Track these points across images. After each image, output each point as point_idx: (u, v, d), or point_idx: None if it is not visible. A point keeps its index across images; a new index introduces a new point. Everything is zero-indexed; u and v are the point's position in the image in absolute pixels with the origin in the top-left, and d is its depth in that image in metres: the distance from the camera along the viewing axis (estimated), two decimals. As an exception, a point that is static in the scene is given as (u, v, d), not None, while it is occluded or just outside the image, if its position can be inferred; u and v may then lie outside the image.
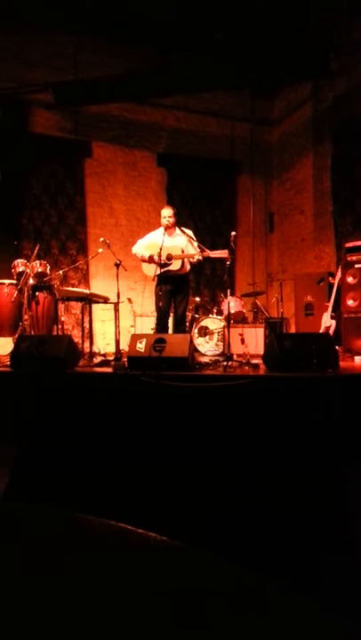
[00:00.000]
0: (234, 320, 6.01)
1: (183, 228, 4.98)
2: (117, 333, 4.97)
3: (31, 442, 3.37)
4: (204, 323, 6.10)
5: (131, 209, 8.17)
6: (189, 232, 4.98)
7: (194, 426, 3.26)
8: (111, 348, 6.43)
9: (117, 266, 4.89)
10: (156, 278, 4.89)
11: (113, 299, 5.10)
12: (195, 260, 4.78)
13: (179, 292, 4.95)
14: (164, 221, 4.89)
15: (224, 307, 6.12)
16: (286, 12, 6.59)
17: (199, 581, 0.80)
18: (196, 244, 4.91)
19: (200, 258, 4.74)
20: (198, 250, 4.84)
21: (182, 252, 4.80)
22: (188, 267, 4.95)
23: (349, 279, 5.84)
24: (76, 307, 7.30)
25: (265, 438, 3.16)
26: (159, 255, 4.68)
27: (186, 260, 4.83)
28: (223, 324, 5.87)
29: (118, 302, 5.02)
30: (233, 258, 4.81)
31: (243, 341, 5.23)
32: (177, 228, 4.96)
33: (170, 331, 5.16)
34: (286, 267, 8.60)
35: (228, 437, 3.19)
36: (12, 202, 7.32)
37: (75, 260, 7.55)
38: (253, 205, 8.68)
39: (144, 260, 4.87)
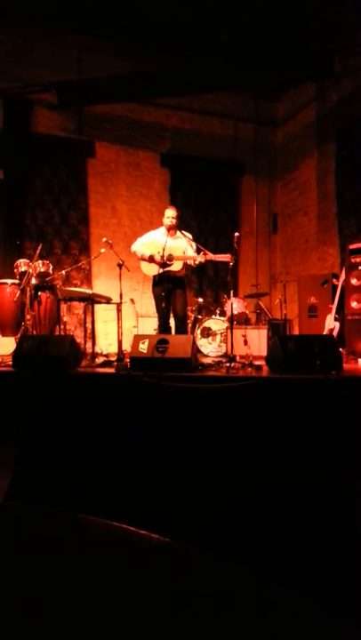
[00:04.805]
0: (237, 321, 5.99)
1: (184, 232, 5.00)
2: (120, 334, 4.97)
3: (33, 442, 3.36)
4: (206, 324, 6.08)
5: (134, 209, 8.17)
6: (189, 235, 5.01)
7: (196, 427, 3.24)
8: (113, 349, 6.42)
9: (120, 266, 4.88)
10: (153, 279, 4.90)
11: (115, 299, 5.09)
12: (197, 262, 4.78)
13: (176, 291, 4.94)
14: (167, 221, 4.89)
15: (227, 308, 6.12)
16: (291, 12, 6.58)
17: (201, 583, 0.79)
18: (195, 246, 4.92)
19: (202, 260, 4.73)
20: (197, 253, 4.84)
21: (184, 253, 4.82)
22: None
23: (353, 281, 5.82)
24: (79, 307, 7.29)
25: (268, 440, 3.14)
26: (161, 255, 4.68)
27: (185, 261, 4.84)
28: (226, 325, 5.85)
29: (121, 303, 5.02)
30: (236, 259, 4.81)
31: (246, 343, 5.22)
32: (178, 231, 4.97)
33: (172, 332, 5.15)
34: (290, 268, 8.59)
35: (230, 439, 3.18)
36: (14, 201, 7.33)
37: (77, 259, 7.54)
38: (257, 206, 8.67)
39: (144, 259, 4.86)
